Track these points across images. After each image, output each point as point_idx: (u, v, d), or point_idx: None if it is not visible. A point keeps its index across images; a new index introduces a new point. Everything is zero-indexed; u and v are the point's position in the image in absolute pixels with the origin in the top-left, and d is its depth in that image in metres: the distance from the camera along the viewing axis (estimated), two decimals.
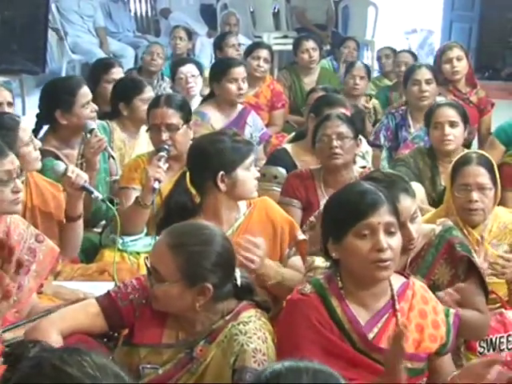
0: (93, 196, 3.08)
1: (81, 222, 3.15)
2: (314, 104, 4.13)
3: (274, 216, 2.82)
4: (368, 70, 5.72)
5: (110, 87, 4.54)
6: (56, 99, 3.71)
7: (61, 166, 3.05)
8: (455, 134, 3.76)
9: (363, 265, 2.08)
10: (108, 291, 2.26)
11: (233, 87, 4.62)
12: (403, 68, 5.81)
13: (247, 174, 2.74)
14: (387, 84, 6.36)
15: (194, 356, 2.14)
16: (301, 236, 2.82)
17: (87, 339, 2.17)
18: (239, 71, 4.68)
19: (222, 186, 2.69)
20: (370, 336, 2.13)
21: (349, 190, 2.21)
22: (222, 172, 2.68)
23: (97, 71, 4.76)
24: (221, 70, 4.71)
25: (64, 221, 3.12)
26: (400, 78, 5.82)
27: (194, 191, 2.84)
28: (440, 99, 4.59)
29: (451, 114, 3.80)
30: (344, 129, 3.42)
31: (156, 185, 3.23)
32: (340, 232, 2.10)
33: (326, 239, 2.17)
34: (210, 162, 2.72)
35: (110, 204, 3.19)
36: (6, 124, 2.97)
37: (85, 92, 3.71)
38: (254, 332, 2.11)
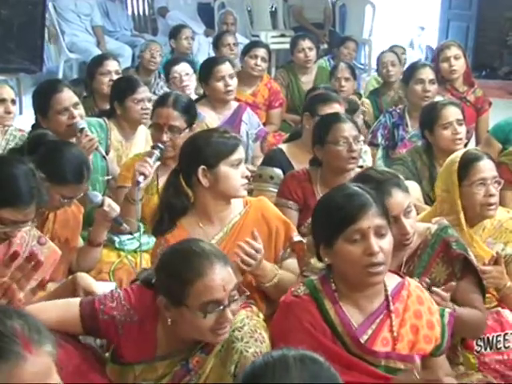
0: (122, 228, 3.10)
1: (101, 248, 3.19)
2: (308, 102, 4.09)
3: (269, 216, 2.78)
4: (352, 69, 5.67)
5: (104, 79, 4.54)
6: (34, 103, 3.71)
7: (98, 197, 3.07)
8: (463, 133, 3.77)
9: (355, 269, 2.07)
10: (93, 298, 2.21)
11: (220, 85, 4.60)
12: (390, 68, 5.80)
13: (231, 171, 2.67)
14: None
15: (190, 368, 2.12)
16: (296, 237, 2.77)
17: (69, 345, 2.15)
18: (224, 68, 4.65)
19: (204, 182, 2.64)
20: (364, 338, 2.13)
21: (336, 194, 2.16)
22: (203, 166, 2.64)
23: (91, 67, 4.74)
24: (207, 69, 4.70)
25: (77, 245, 3.15)
26: (389, 79, 5.82)
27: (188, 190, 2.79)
28: (438, 98, 4.59)
29: (457, 112, 3.79)
30: (357, 131, 3.41)
31: (140, 179, 3.23)
32: (330, 237, 2.08)
33: (317, 244, 2.16)
34: (193, 156, 2.69)
35: (122, 238, 3.21)
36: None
37: (61, 98, 3.57)
38: (250, 335, 2.11)
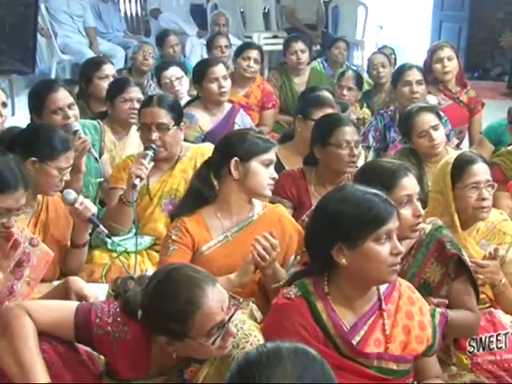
0: (98, 229, 3.08)
1: (85, 250, 3.17)
2: (301, 105, 4.08)
3: (285, 222, 2.84)
4: (358, 80, 5.65)
5: (102, 84, 4.52)
6: (30, 102, 3.72)
7: (71, 195, 3.05)
8: (440, 137, 3.75)
9: (381, 269, 2.08)
10: (90, 308, 2.15)
11: (214, 87, 4.60)
12: (381, 69, 5.82)
13: (262, 169, 2.75)
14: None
15: (185, 378, 2.11)
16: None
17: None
18: (218, 69, 4.65)
19: (235, 174, 2.71)
20: (357, 339, 2.13)
21: (363, 196, 2.11)
22: (236, 158, 2.71)
23: (88, 70, 4.70)
24: (200, 71, 4.70)
25: (68, 244, 3.13)
26: (379, 80, 5.84)
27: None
28: (431, 99, 4.61)
29: (432, 118, 3.74)
30: (358, 136, 3.46)
31: (137, 182, 3.24)
32: (358, 238, 2.07)
33: (329, 246, 2.11)
34: (228, 147, 2.77)
35: (115, 240, 3.23)
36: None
37: (56, 97, 3.59)
38: (245, 340, 2.10)
